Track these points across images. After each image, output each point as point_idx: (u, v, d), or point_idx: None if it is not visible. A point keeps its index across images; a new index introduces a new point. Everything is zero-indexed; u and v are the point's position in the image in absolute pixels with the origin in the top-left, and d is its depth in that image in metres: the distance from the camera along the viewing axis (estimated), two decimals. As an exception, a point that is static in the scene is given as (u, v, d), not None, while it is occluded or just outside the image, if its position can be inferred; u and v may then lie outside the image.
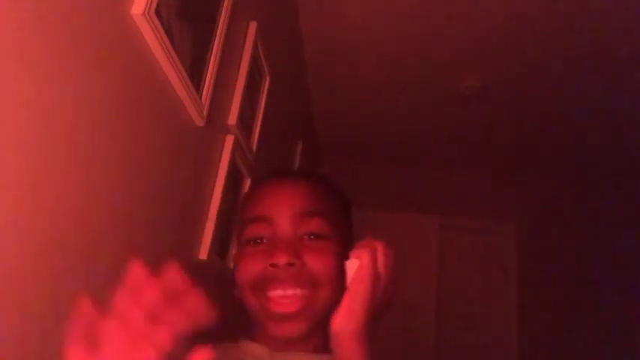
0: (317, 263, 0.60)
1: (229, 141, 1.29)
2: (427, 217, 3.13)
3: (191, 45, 0.95)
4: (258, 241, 0.62)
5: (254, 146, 1.52)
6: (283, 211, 0.62)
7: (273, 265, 0.58)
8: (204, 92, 1.03)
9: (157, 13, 0.79)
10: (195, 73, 0.98)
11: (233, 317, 0.62)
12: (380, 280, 0.57)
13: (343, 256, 0.61)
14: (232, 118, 1.29)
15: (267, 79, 1.60)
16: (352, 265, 0.58)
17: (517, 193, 3.34)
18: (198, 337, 0.38)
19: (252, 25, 1.40)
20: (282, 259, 0.58)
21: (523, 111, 2.66)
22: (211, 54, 1.06)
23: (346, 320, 0.54)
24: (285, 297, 0.58)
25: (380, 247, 0.59)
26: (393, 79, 2.51)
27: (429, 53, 2.27)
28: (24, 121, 0.54)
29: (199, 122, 1.04)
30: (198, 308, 0.38)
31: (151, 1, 0.76)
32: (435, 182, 3.40)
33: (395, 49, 2.28)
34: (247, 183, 1.50)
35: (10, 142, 0.53)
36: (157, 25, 0.79)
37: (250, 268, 0.60)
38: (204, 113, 1.04)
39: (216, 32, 1.08)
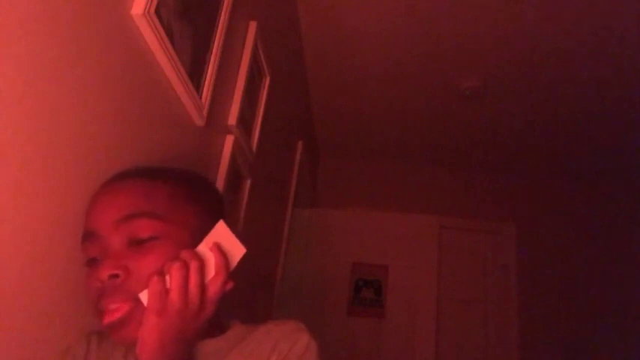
0: (144, 269, 0.55)
1: (229, 141, 1.29)
2: (427, 217, 3.12)
3: (191, 45, 0.95)
4: (96, 260, 0.58)
5: (254, 146, 1.51)
6: (105, 221, 0.57)
7: (100, 282, 0.56)
8: (204, 92, 1.03)
9: (157, 13, 0.79)
10: (195, 73, 0.98)
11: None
12: (191, 303, 0.53)
13: (193, 246, 0.57)
14: (232, 118, 1.29)
15: (267, 79, 1.60)
16: (157, 283, 0.53)
17: (517, 193, 3.34)
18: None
19: (252, 25, 1.40)
20: (103, 273, 0.55)
21: (523, 111, 2.66)
22: (211, 54, 1.06)
23: (142, 350, 0.51)
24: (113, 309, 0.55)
25: (194, 264, 0.54)
26: (393, 79, 2.51)
27: (429, 53, 2.27)
28: (23, 122, 0.54)
29: (199, 122, 1.04)
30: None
31: (151, 1, 0.76)
32: (435, 182, 3.40)
33: (395, 49, 2.28)
34: (247, 183, 1.49)
35: (9, 143, 0.52)
36: (157, 25, 0.79)
37: (90, 290, 0.57)
38: (204, 113, 1.04)
39: (216, 32, 1.08)
